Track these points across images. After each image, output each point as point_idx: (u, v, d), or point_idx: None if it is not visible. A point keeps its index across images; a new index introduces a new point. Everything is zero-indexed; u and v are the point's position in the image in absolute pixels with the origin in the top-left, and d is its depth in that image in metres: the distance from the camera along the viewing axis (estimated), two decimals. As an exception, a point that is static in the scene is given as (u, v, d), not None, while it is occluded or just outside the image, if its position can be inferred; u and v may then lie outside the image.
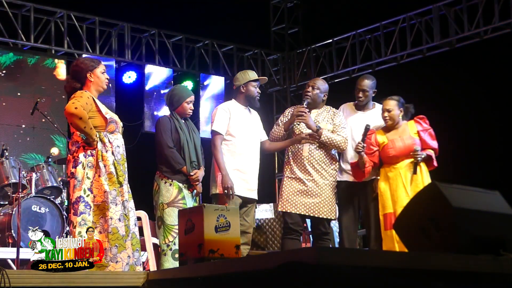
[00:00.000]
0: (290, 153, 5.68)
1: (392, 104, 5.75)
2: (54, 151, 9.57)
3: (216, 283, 3.52)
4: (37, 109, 7.65)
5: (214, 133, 5.55)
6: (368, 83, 5.89)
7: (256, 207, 5.97)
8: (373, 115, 5.93)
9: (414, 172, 5.59)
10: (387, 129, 5.79)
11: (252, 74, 5.72)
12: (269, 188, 10.46)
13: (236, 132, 5.57)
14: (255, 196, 5.63)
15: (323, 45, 11.74)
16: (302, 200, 5.56)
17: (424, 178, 5.62)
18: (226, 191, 5.36)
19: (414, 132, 5.74)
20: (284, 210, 5.61)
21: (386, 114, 5.75)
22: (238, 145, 5.56)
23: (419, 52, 10.56)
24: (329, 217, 5.62)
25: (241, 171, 5.52)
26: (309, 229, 7.44)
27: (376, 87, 5.95)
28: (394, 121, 5.75)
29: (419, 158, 5.59)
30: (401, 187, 5.59)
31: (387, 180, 5.67)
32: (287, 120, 5.75)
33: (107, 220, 4.64)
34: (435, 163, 5.70)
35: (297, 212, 5.57)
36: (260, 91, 5.75)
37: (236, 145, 5.56)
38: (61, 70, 10.22)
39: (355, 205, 5.84)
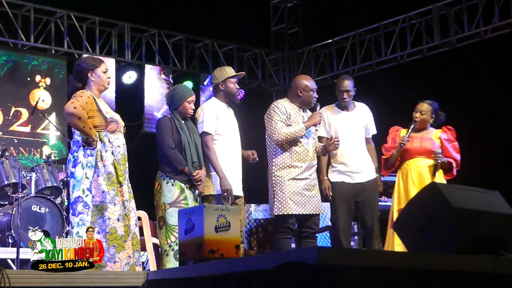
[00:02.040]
0: (294, 155, 5.53)
1: (426, 107, 5.95)
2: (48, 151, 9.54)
3: (216, 283, 3.52)
4: (37, 109, 7.66)
5: (205, 134, 5.46)
6: (349, 83, 5.95)
7: (247, 206, 5.96)
8: (358, 113, 6.01)
9: (434, 174, 5.74)
10: (413, 129, 5.95)
11: (230, 70, 5.69)
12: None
13: (224, 131, 5.54)
14: (242, 193, 5.64)
15: (323, 45, 11.73)
16: (308, 198, 5.52)
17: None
18: (225, 193, 5.33)
19: (436, 137, 5.90)
20: (291, 213, 5.46)
21: (418, 115, 5.94)
22: (227, 143, 5.53)
23: (419, 52, 10.55)
24: (320, 213, 5.65)
25: (231, 170, 5.50)
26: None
27: (355, 85, 6.00)
28: (423, 125, 5.94)
29: (439, 161, 5.75)
30: (411, 183, 5.75)
31: (402, 176, 5.85)
32: (295, 116, 5.58)
33: (105, 220, 4.64)
34: (454, 172, 5.87)
35: (305, 213, 5.51)
36: (238, 87, 5.71)
37: (225, 144, 5.52)
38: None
39: (351, 205, 5.87)
